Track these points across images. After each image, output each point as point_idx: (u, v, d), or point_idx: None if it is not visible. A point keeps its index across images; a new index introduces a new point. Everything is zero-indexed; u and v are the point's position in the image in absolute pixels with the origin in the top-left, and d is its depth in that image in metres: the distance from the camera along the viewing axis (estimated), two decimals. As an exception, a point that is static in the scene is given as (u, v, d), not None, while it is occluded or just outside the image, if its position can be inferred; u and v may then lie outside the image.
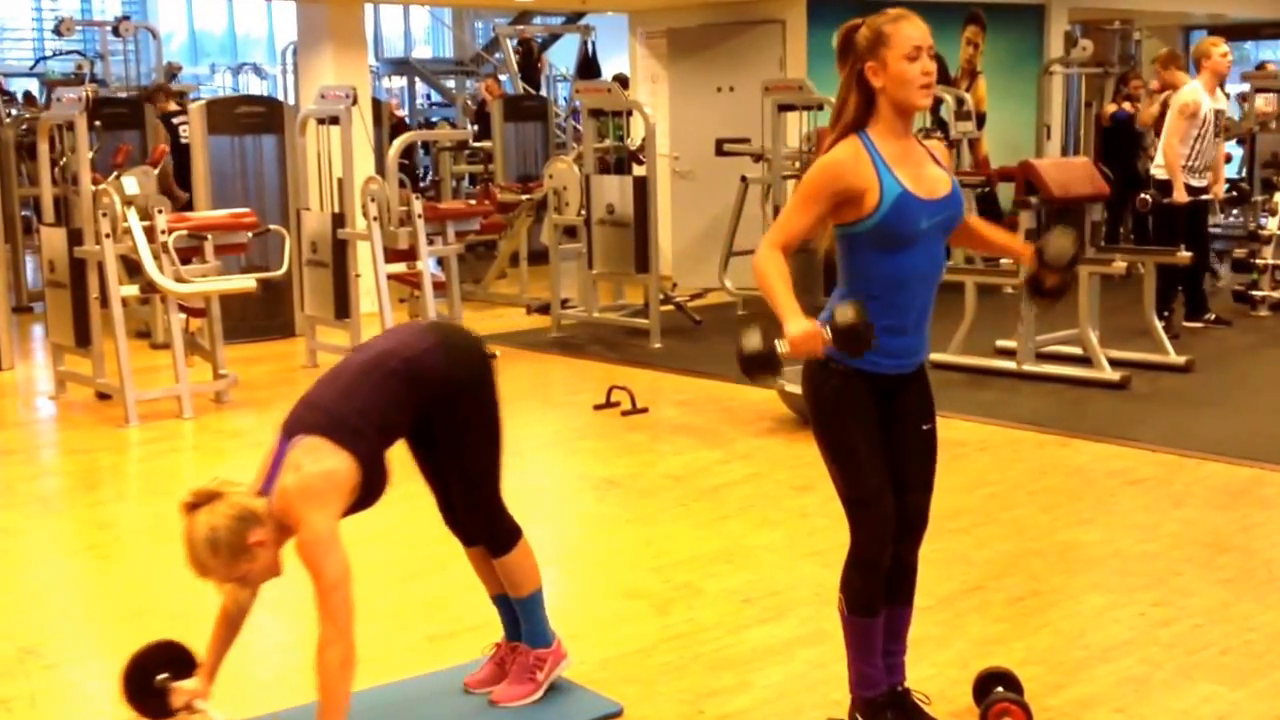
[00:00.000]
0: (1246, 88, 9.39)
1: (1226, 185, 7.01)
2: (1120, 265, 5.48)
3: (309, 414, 2.35)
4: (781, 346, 2.16)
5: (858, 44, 2.25)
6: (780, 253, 2.25)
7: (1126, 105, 8.71)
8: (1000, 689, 2.51)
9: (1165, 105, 7.11)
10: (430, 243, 5.94)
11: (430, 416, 2.45)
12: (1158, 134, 7.24)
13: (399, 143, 6.35)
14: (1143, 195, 6.48)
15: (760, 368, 2.18)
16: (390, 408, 2.38)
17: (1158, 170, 6.48)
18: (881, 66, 2.23)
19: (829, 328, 2.15)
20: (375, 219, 5.82)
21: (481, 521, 2.56)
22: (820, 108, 7.14)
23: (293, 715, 2.59)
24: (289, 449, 2.30)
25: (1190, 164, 6.35)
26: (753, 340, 2.17)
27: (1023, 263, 2.47)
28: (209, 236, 5.51)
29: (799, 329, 2.15)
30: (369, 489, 2.36)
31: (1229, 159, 8.67)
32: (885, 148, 2.25)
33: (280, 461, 2.29)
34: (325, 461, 2.27)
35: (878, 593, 2.36)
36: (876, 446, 2.31)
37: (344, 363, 2.48)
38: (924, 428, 2.38)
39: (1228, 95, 6.78)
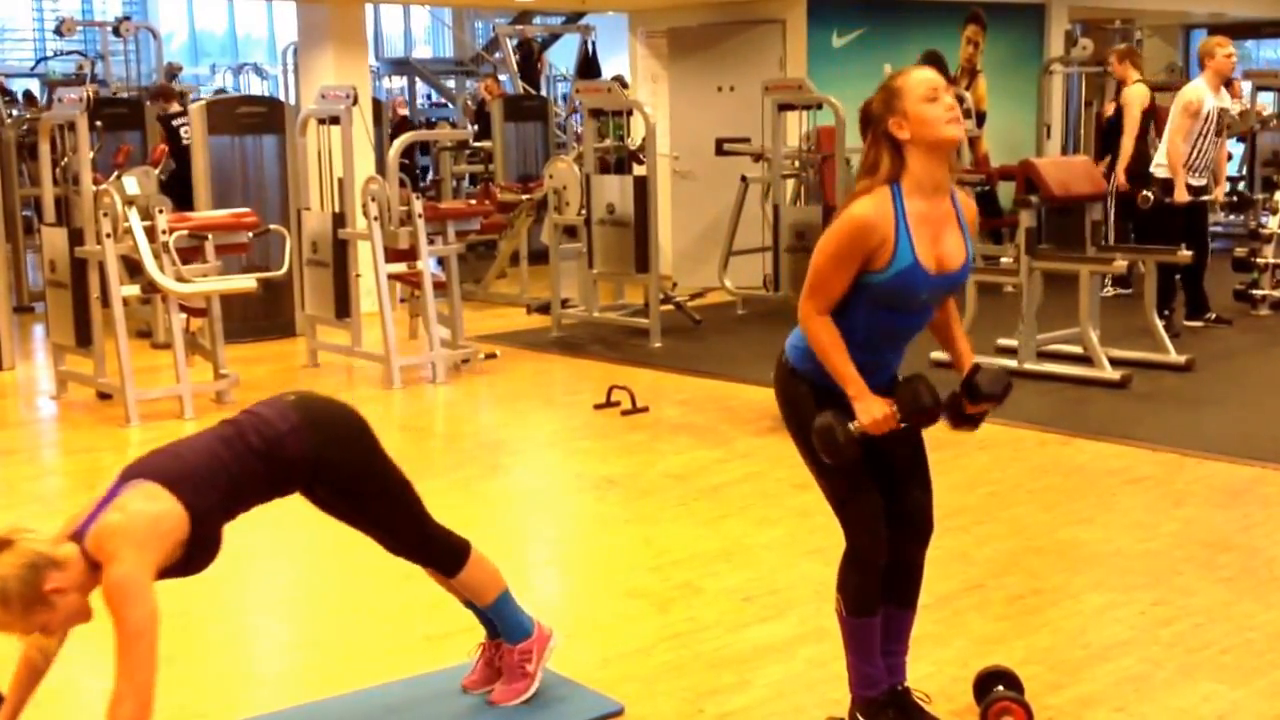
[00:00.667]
0: (1248, 86, 9.40)
1: (1228, 188, 7.01)
2: (1121, 264, 5.48)
3: (155, 462, 2.24)
4: (855, 429, 2.25)
5: (874, 110, 2.28)
6: (829, 318, 2.25)
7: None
8: (1000, 688, 2.51)
9: (1119, 105, 7.17)
10: (431, 242, 5.94)
11: (312, 492, 2.39)
12: (1115, 134, 7.24)
13: (399, 143, 6.35)
14: (1144, 193, 6.47)
15: (838, 452, 2.25)
16: (243, 481, 2.27)
17: (1158, 169, 6.47)
18: (903, 118, 2.23)
19: (899, 405, 2.24)
20: (376, 219, 5.82)
21: (420, 557, 2.55)
22: (819, 107, 7.14)
23: (292, 714, 2.59)
24: (121, 491, 2.17)
25: (1191, 163, 6.35)
26: (829, 435, 2.24)
27: (959, 370, 2.39)
28: (210, 236, 5.51)
29: (871, 415, 2.23)
30: (193, 553, 2.22)
31: (1230, 157, 8.68)
32: (912, 206, 2.24)
33: (108, 502, 2.16)
34: (156, 505, 2.14)
35: (874, 592, 2.36)
36: (852, 439, 2.31)
37: (205, 431, 2.37)
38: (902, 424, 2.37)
39: (1238, 95, 6.77)
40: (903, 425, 2.26)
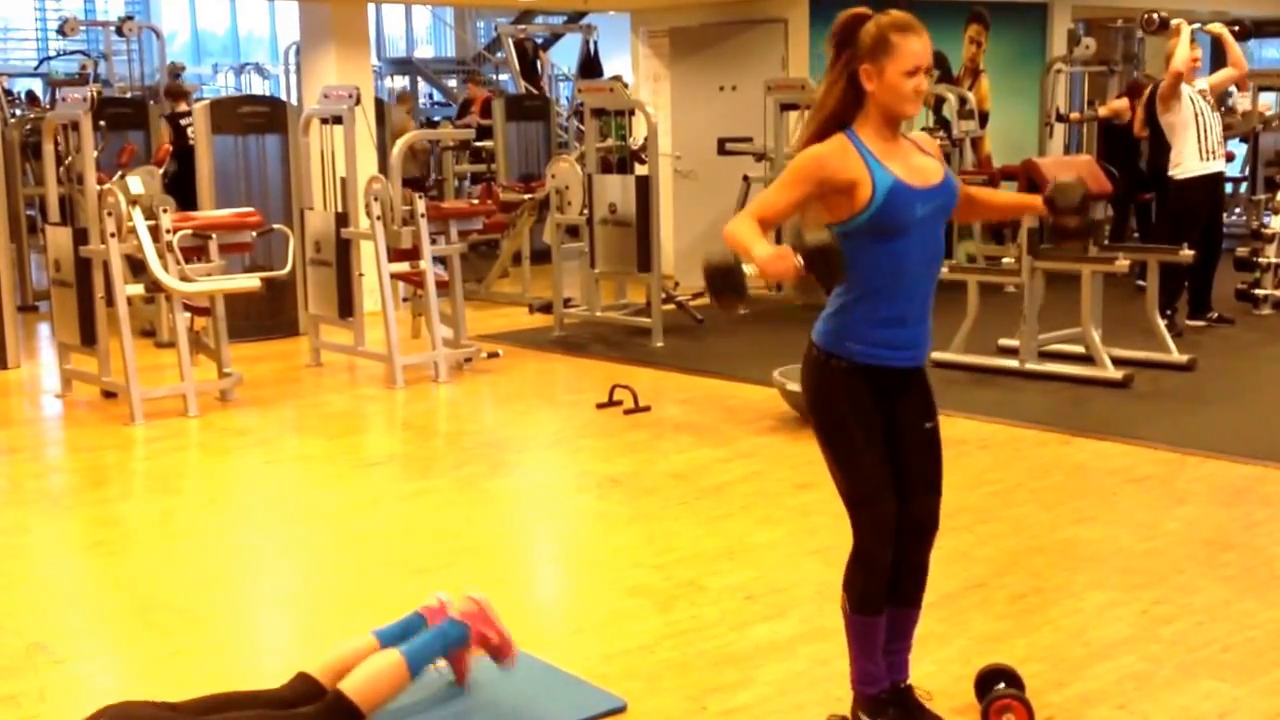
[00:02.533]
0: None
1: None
2: (1124, 264, 5.48)
3: None
4: (749, 267, 2.10)
5: (860, 41, 2.25)
6: (755, 223, 2.20)
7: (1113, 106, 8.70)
8: (1002, 685, 2.51)
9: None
10: (433, 242, 5.95)
11: None
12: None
13: (401, 143, 6.35)
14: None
15: (726, 286, 2.10)
16: None
17: (1175, 170, 6.47)
18: (878, 73, 2.23)
19: (798, 250, 2.07)
20: (378, 218, 5.83)
21: None
22: (822, 107, 7.13)
23: None
24: None
25: (1203, 149, 6.36)
26: (718, 254, 2.11)
27: (1038, 213, 2.50)
28: (213, 236, 5.52)
29: (766, 250, 2.10)
30: None
31: (1231, 157, 8.69)
32: (873, 145, 2.26)
33: None
34: None
35: (880, 592, 2.36)
36: (877, 445, 2.31)
37: None
38: (926, 426, 2.38)
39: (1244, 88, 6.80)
40: (806, 273, 2.07)
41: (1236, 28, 6.74)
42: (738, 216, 2.24)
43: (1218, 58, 7.21)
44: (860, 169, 2.23)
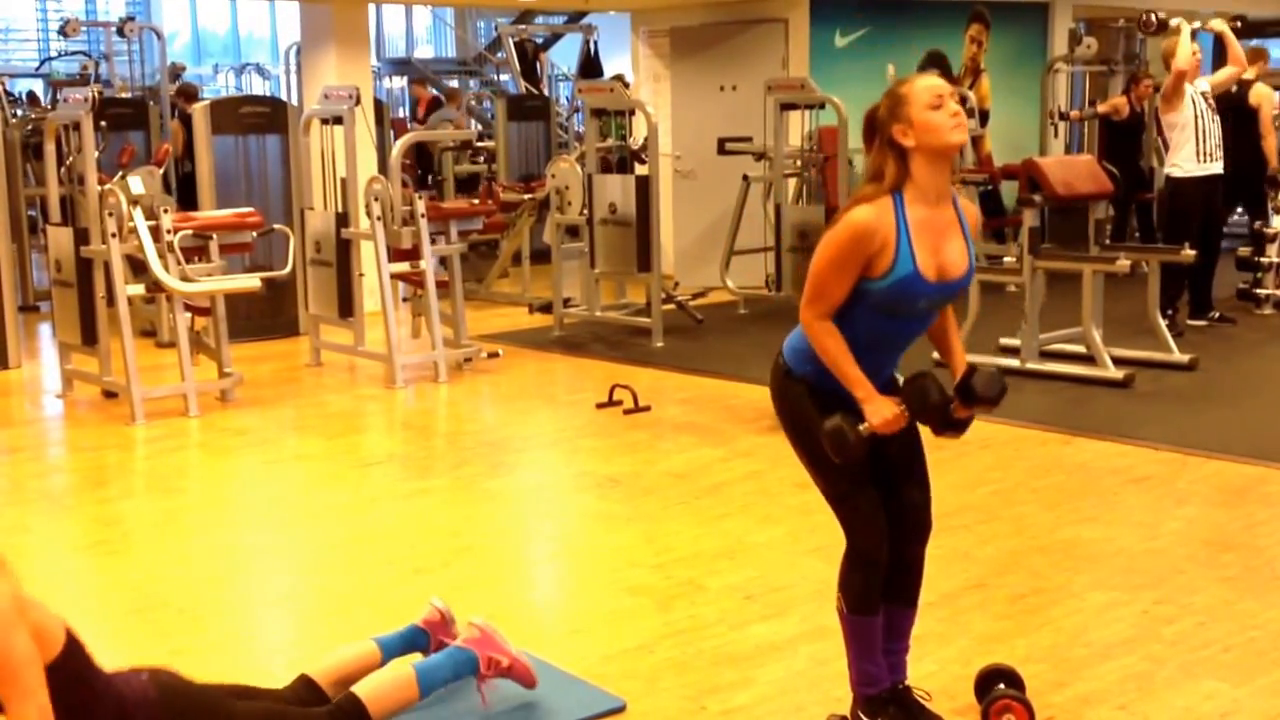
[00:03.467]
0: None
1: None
2: (1125, 264, 5.47)
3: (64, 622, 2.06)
4: (865, 430, 2.25)
5: (879, 117, 2.28)
6: (831, 323, 2.26)
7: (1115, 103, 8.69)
8: (1002, 686, 2.51)
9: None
10: (433, 242, 5.95)
11: None
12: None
13: (402, 143, 6.35)
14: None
15: (848, 453, 2.25)
16: (95, 699, 2.06)
17: (1171, 169, 6.46)
18: (908, 125, 2.23)
19: (908, 405, 2.26)
20: (379, 218, 5.83)
21: None
22: (822, 106, 7.14)
23: None
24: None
25: (1201, 151, 6.36)
26: (839, 438, 2.24)
27: (953, 374, 2.38)
28: (214, 236, 5.52)
29: (882, 416, 2.24)
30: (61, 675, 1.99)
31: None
32: (914, 213, 2.24)
33: None
34: (38, 604, 1.98)
35: (876, 590, 2.35)
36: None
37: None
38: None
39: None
40: (910, 422, 2.27)
41: (1238, 24, 6.75)
42: (816, 323, 2.25)
43: (1218, 57, 7.20)
44: (890, 245, 2.22)
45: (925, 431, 2.40)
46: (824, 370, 2.29)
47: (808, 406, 2.32)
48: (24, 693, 1.90)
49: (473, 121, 11.37)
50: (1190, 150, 6.33)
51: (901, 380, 2.34)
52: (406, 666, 2.48)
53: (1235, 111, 6.99)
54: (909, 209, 2.24)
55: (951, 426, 2.34)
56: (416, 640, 2.66)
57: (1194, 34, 6.34)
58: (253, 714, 2.28)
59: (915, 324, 2.33)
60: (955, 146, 2.25)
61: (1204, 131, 6.34)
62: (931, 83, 2.25)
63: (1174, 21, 6.37)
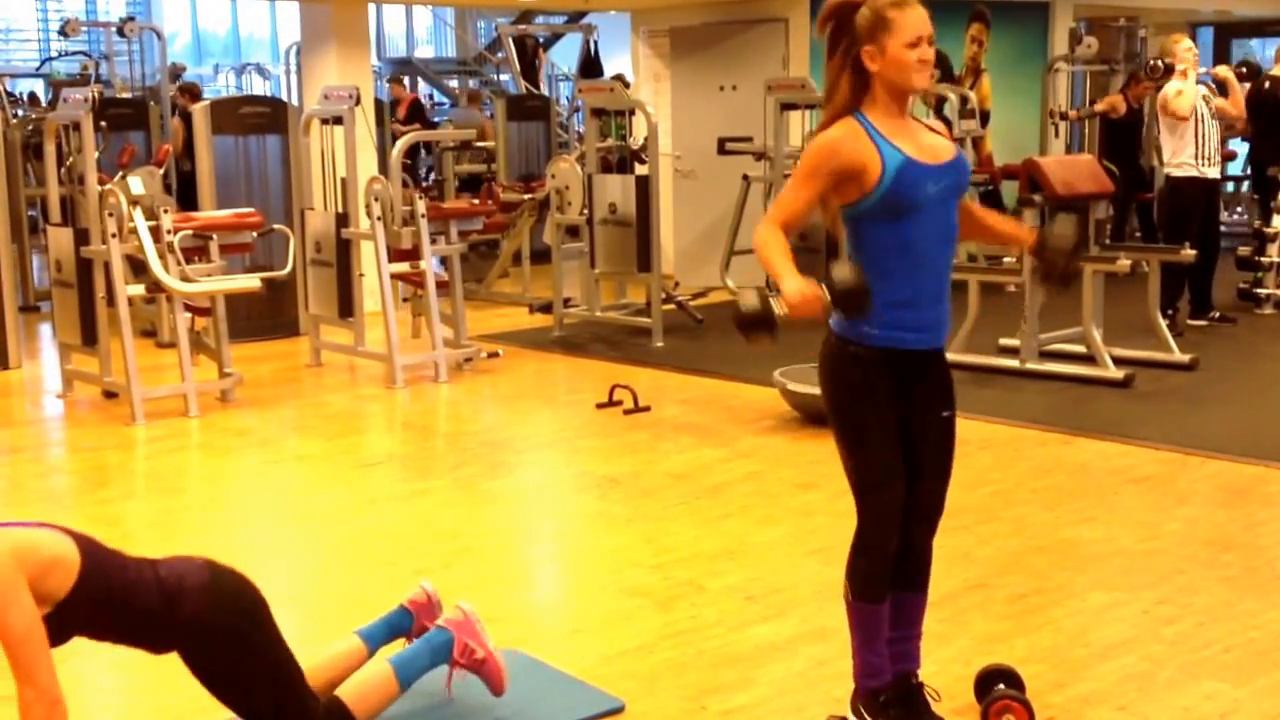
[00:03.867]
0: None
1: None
2: (1125, 263, 5.47)
3: (69, 531, 2.12)
4: (779, 307, 2.14)
5: (857, 26, 2.23)
6: (780, 229, 2.23)
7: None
8: (1002, 686, 2.50)
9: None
10: (433, 242, 5.95)
11: (182, 650, 2.23)
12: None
13: (402, 143, 6.35)
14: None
15: (758, 327, 2.15)
16: (133, 593, 2.13)
17: (1171, 169, 6.47)
18: (880, 52, 2.21)
19: (826, 288, 2.13)
20: (379, 218, 5.83)
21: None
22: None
23: None
24: (20, 525, 2.08)
25: (1200, 153, 6.36)
26: (750, 300, 2.15)
27: (1026, 250, 2.43)
28: (214, 236, 5.52)
29: (796, 288, 2.13)
30: (71, 610, 2.06)
31: (1232, 156, 8.69)
32: (882, 125, 2.24)
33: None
34: (39, 536, 2.04)
35: (882, 578, 2.34)
36: (890, 434, 2.30)
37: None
38: (944, 414, 2.36)
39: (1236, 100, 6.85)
40: (831, 311, 2.17)
41: (1243, 69, 6.80)
42: (764, 225, 2.26)
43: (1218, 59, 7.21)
44: (870, 150, 2.21)
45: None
46: (880, 327, 2.24)
47: (860, 391, 2.28)
48: (25, 673, 1.95)
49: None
50: (1190, 150, 6.34)
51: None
52: (384, 664, 2.47)
53: (1264, 106, 6.99)
54: (875, 122, 2.23)
55: (1055, 281, 2.35)
56: (401, 624, 2.65)
57: (1199, 78, 6.41)
58: (285, 650, 2.31)
59: (934, 225, 2.25)
60: (916, 90, 2.24)
61: (1204, 136, 6.35)
62: (917, 19, 2.21)
63: (1179, 67, 6.36)
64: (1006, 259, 6.50)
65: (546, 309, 7.15)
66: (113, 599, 2.11)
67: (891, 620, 2.39)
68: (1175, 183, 6.44)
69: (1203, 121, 6.35)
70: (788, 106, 7.19)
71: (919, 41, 2.20)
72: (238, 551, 3.75)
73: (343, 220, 6.09)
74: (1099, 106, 8.67)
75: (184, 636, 2.20)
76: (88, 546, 2.11)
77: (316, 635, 3.06)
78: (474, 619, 2.57)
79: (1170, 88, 6.37)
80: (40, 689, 1.97)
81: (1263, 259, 7.02)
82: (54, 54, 13.72)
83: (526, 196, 8.02)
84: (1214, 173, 6.46)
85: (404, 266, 5.93)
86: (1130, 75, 8.80)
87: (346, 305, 6.09)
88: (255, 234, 5.72)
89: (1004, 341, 5.94)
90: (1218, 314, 6.70)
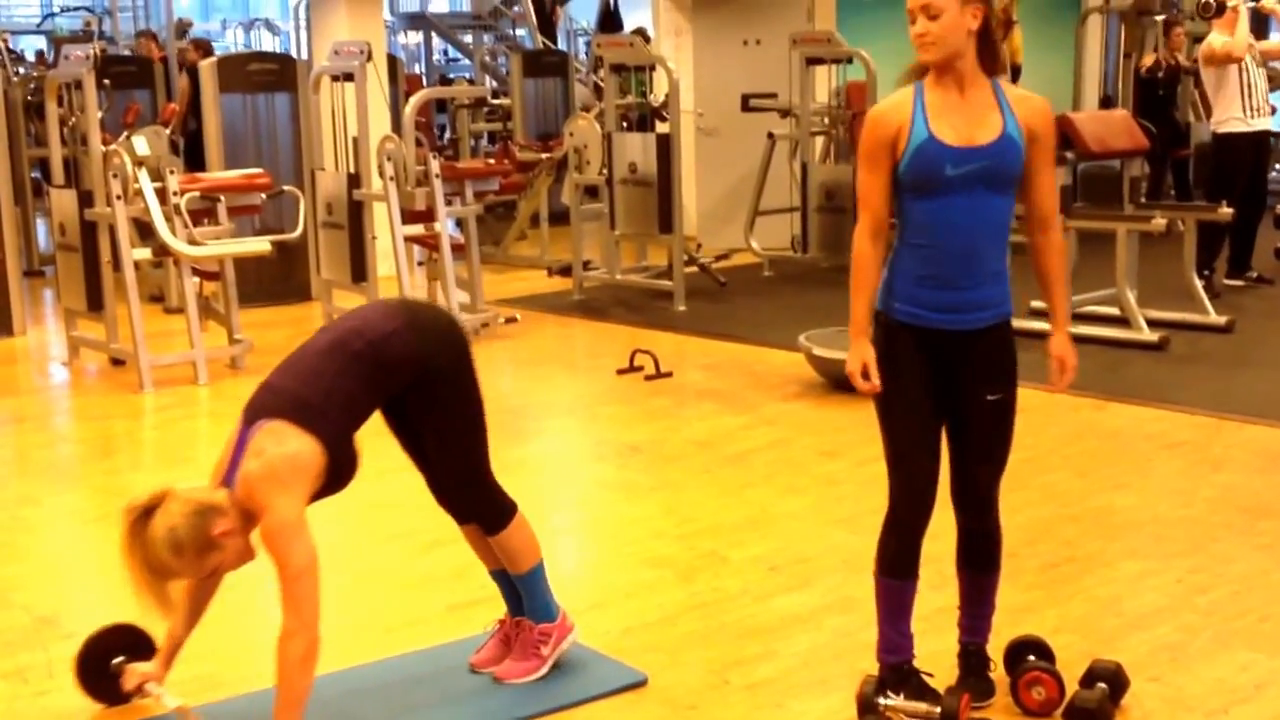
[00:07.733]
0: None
1: None
2: (1160, 222, 5.35)
3: (271, 398, 2.30)
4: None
5: None
6: (871, 243, 2.27)
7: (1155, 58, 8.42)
8: (1032, 658, 2.48)
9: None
10: (448, 203, 5.86)
11: (402, 399, 2.37)
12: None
13: (415, 100, 6.23)
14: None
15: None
16: (355, 390, 2.31)
17: (1219, 125, 6.31)
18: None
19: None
20: (392, 179, 5.72)
21: (471, 500, 2.52)
22: (850, 60, 6.96)
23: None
24: (251, 435, 2.26)
25: (1247, 102, 6.19)
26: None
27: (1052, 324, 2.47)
28: (222, 198, 5.44)
29: (853, 364, 2.29)
30: (336, 472, 2.30)
31: (1275, 110, 8.47)
32: (931, 98, 2.24)
33: (243, 448, 2.25)
34: (289, 445, 2.22)
35: (909, 555, 2.35)
36: (917, 408, 2.30)
37: (307, 344, 2.40)
38: (989, 398, 2.34)
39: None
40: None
41: None
42: (857, 238, 2.29)
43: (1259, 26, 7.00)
44: (904, 121, 2.23)
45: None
46: (904, 301, 2.27)
47: (886, 358, 2.29)
48: (294, 605, 2.14)
49: (487, 78, 11.20)
50: (1237, 105, 6.18)
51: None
52: (541, 552, 2.58)
53: None
54: (928, 93, 2.24)
55: None
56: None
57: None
58: (479, 387, 2.49)
59: (959, 207, 2.22)
60: (926, 65, 2.23)
61: (1250, 84, 6.17)
62: None
63: (1232, 2, 6.16)
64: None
65: (565, 272, 7.07)
66: (349, 418, 2.30)
67: (962, 598, 2.44)
68: (1223, 139, 6.27)
69: (1248, 70, 6.17)
70: (813, 61, 7.02)
71: (913, 16, 2.20)
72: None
73: (354, 181, 5.99)
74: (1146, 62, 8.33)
75: (404, 380, 2.33)
76: (306, 416, 2.23)
77: (330, 609, 3.00)
78: (571, 634, 2.59)
79: (1215, 38, 6.18)
80: (304, 622, 2.15)
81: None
82: (56, 9, 13.60)
83: (544, 156, 7.90)
84: (1263, 124, 6.30)
85: (418, 229, 5.84)
86: (1165, 24, 8.52)
87: (359, 269, 6.00)
88: (264, 195, 5.66)
89: (1035, 304, 5.80)
90: (1255, 274, 6.57)
